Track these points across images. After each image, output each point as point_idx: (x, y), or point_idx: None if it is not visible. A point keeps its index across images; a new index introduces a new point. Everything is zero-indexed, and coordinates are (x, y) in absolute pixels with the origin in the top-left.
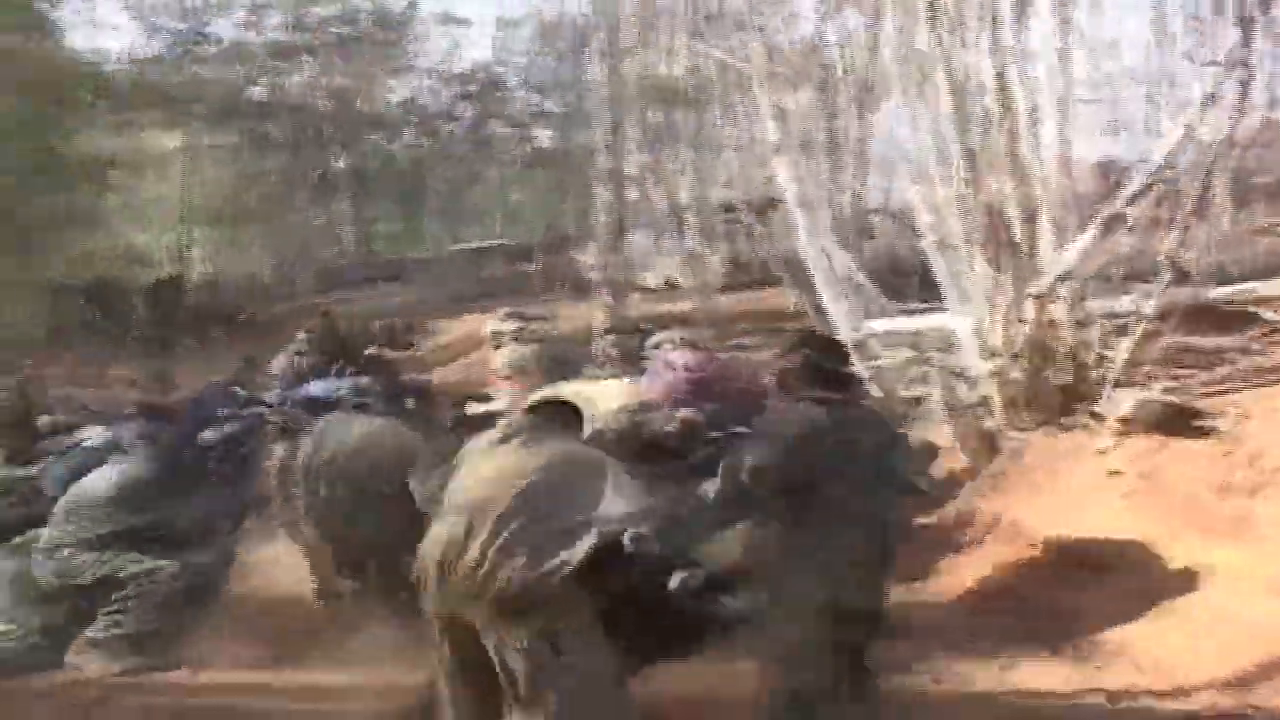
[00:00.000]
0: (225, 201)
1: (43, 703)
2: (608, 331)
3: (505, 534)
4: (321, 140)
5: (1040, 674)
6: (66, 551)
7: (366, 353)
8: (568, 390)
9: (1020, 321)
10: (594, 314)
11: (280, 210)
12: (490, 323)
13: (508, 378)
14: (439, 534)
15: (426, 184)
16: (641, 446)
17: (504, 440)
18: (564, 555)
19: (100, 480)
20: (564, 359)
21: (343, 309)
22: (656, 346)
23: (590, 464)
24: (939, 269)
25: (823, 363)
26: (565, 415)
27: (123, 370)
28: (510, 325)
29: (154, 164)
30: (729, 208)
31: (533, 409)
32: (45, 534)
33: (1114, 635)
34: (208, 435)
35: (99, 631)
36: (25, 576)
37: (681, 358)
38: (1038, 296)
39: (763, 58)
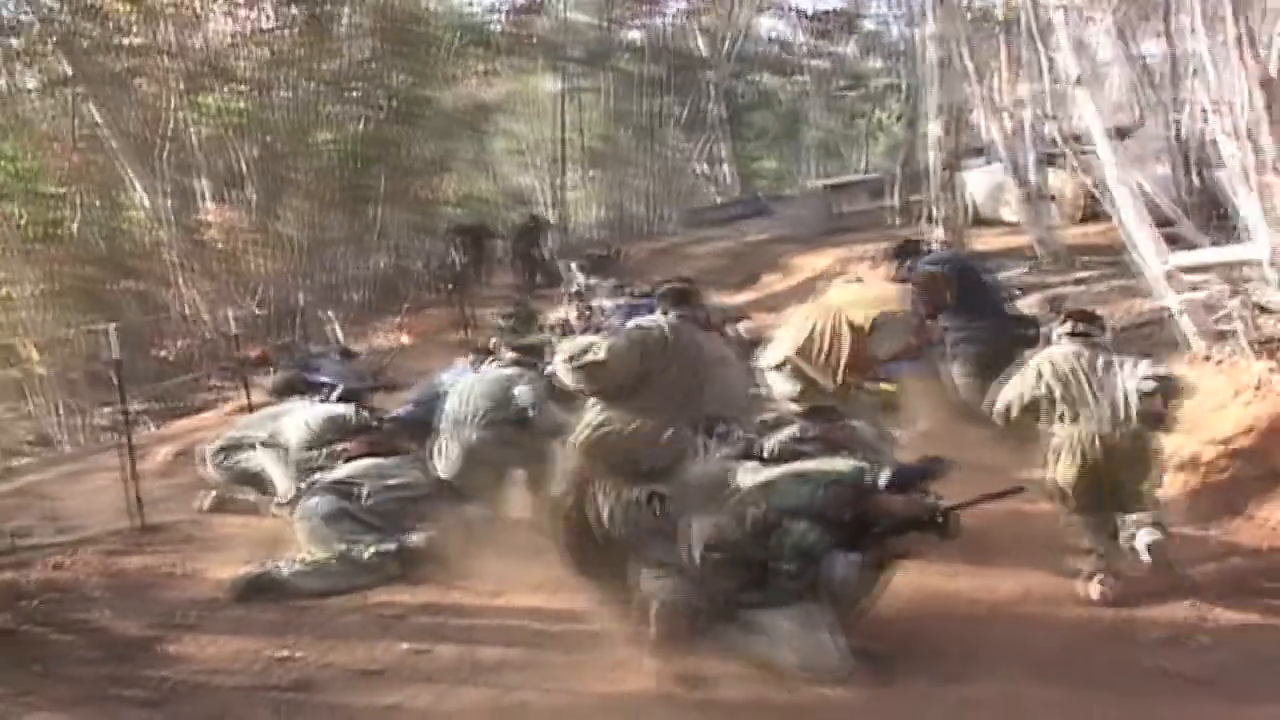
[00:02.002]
0: (603, 142)
1: (353, 618)
2: None
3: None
4: (695, 79)
5: None
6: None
7: None
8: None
9: None
10: None
11: (654, 149)
12: None
13: None
14: (606, 417)
15: (802, 120)
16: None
17: (671, 331)
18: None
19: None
20: None
21: (704, 248)
22: None
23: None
24: (1242, 199)
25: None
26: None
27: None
28: None
29: (534, 108)
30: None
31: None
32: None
33: None
34: None
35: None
36: (342, 511)
37: None
38: None
39: None
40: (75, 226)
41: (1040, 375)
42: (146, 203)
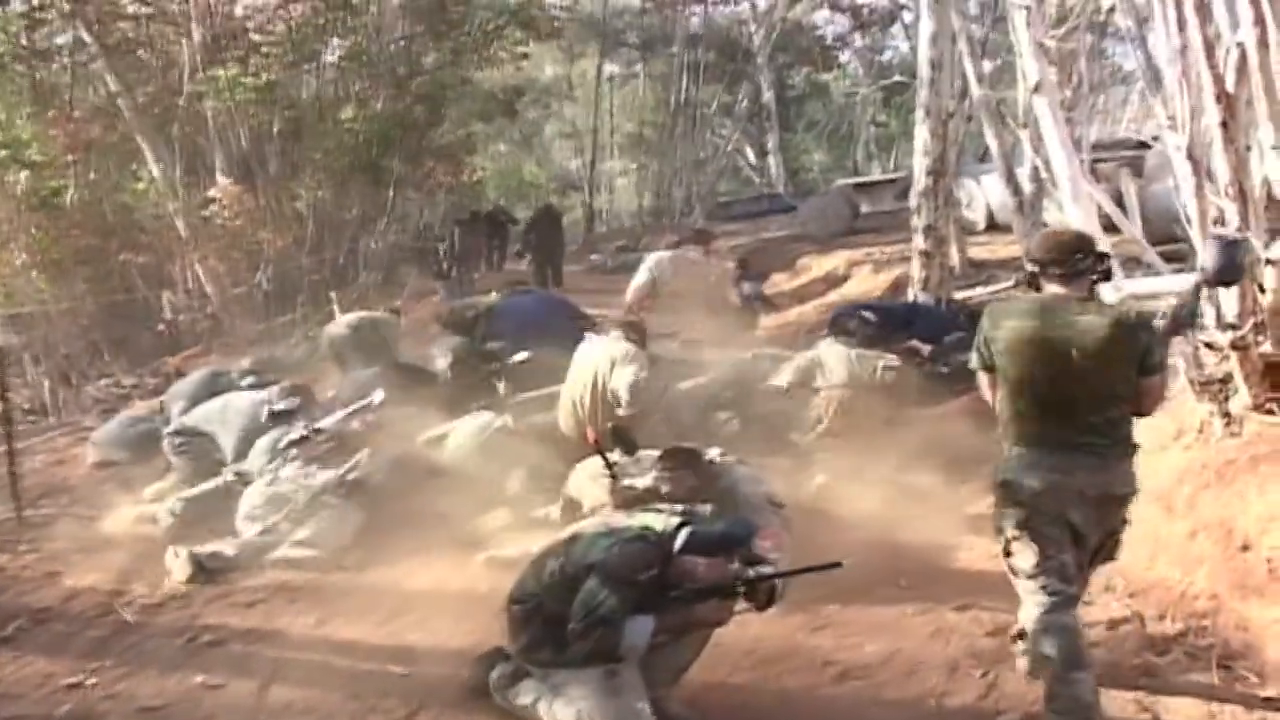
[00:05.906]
0: (648, 129)
1: (170, 643)
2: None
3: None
4: (743, 69)
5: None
6: None
7: None
8: None
9: (1260, 289)
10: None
11: (697, 137)
12: None
13: None
14: None
15: (853, 113)
16: None
17: None
18: None
19: None
20: None
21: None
22: None
23: None
24: (1194, 225)
25: None
26: None
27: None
28: None
29: (581, 92)
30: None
31: None
32: None
33: None
34: None
35: None
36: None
37: None
38: (1270, 262)
39: None
40: (72, 196)
41: (820, 357)
42: (156, 174)
